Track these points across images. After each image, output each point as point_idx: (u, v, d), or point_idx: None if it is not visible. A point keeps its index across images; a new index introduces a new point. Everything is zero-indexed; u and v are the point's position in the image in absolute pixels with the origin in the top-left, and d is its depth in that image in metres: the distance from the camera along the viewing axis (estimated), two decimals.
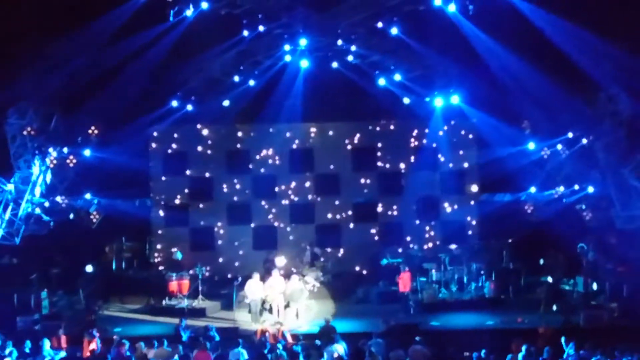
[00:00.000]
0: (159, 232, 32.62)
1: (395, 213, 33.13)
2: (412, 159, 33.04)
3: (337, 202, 33.06)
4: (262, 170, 33.01)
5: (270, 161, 32.99)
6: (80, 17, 26.29)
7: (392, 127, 32.75)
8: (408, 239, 32.61)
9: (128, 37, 27.07)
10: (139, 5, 26.52)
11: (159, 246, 32.40)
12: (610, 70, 27.15)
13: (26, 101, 27.37)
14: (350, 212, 33.09)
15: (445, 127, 32.65)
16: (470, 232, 32.93)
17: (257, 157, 32.97)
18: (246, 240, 32.86)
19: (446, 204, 33.12)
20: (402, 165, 33.08)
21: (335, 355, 19.76)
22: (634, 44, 25.71)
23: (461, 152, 32.95)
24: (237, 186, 32.93)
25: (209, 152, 32.68)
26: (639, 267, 26.73)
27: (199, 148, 32.67)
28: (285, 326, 24.12)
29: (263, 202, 33.01)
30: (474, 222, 32.99)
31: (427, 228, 32.93)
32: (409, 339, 21.15)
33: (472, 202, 33.01)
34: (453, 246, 31.45)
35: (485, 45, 27.95)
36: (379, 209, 33.15)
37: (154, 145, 32.27)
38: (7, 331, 22.71)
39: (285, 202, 33.06)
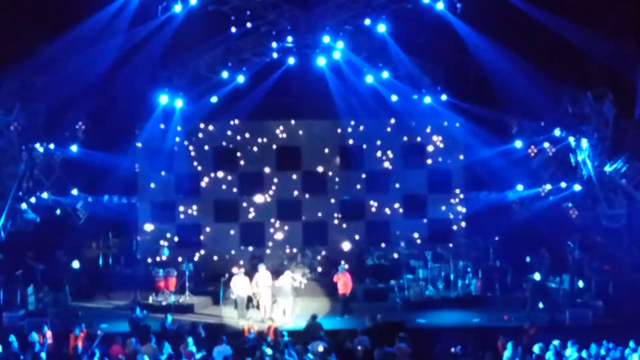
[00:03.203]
0: (146, 228, 32.54)
1: (382, 211, 33.14)
2: (400, 157, 33.07)
3: (324, 200, 33.07)
4: (249, 167, 32.97)
5: (257, 158, 32.93)
6: (68, 14, 26.27)
7: (379, 125, 32.68)
8: (395, 237, 32.63)
9: (115, 34, 27.05)
10: (127, 2, 26.50)
11: (145, 243, 32.32)
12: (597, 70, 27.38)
13: (13, 97, 27.26)
14: (337, 210, 33.10)
15: (433, 125, 32.73)
16: (457, 230, 33.00)
17: (244, 154, 32.92)
18: (233, 236, 32.83)
19: (433, 202, 33.16)
20: (390, 164, 33.10)
21: (320, 349, 19.84)
22: (622, 41, 25.91)
23: (448, 151, 32.97)
24: (224, 183, 32.88)
25: (196, 148, 32.60)
26: (624, 265, 26.86)
27: (186, 145, 32.58)
28: (276, 323, 24.11)
29: (250, 199, 32.97)
30: (460, 220, 33.07)
31: (414, 226, 32.95)
32: (394, 336, 21.22)
33: (459, 200, 33.06)
34: (440, 244, 31.69)
35: (473, 43, 28.08)
36: (366, 207, 33.17)
37: (140, 142, 32.09)
38: None
39: (272, 199, 33.03)
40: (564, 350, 20.16)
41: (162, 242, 31.90)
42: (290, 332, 23.38)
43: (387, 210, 33.12)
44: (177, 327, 23.65)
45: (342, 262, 28.59)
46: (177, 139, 32.31)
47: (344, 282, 27.03)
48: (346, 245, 32.23)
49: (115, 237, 31.69)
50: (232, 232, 32.85)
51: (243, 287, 26.26)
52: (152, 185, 32.54)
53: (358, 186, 33.11)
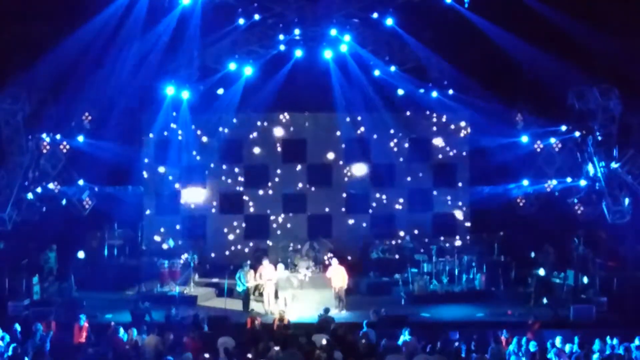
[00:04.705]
0: (151, 219, 32.58)
1: (387, 204, 33.15)
2: (406, 150, 33.09)
3: (329, 193, 33.07)
4: (255, 159, 32.99)
5: (262, 150, 32.94)
6: (77, 5, 26.29)
7: (385, 118, 32.59)
8: (399, 231, 32.63)
9: (122, 23, 27.05)
10: None
11: (150, 233, 32.37)
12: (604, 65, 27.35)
13: (19, 86, 27.30)
14: (342, 203, 33.11)
15: (439, 119, 32.78)
16: (461, 225, 33.03)
17: (250, 146, 32.94)
18: (238, 229, 32.86)
19: (438, 196, 33.19)
20: (395, 157, 33.10)
21: (324, 342, 19.85)
22: (628, 37, 25.90)
23: (454, 145, 33.01)
24: (229, 175, 32.89)
25: (201, 140, 32.58)
26: (628, 261, 26.85)
27: (192, 136, 32.57)
28: (287, 315, 24.08)
29: (255, 192, 32.99)
30: (465, 215, 33.09)
31: (419, 220, 32.96)
32: (398, 330, 21.23)
33: (464, 195, 33.08)
34: (444, 238, 31.73)
35: (480, 37, 28.02)
36: (371, 200, 33.18)
37: (146, 133, 32.07)
38: None
39: (277, 191, 33.05)
40: (566, 346, 20.22)
41: (166, 233, 31.92)
42: (300, 325, 23.42)
43: (392, 204, 33.15)
44: (181, 319, 23.69)
45: (334, 257, 28.29)
46: (183, 131, 32.33)
47: (338, 275, 26.92)
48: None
49: (120, 228, 31.70)
50: (236, 224, 32.88)
51: (247, 279, 26.35)
52: (158, 176, 32.59)
53: (362, 179, 33.12)
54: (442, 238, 31.92)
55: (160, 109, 30.61)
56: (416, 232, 32.41)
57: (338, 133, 33.02)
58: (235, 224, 32.88)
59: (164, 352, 19.41)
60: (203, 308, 26.38)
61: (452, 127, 32.97)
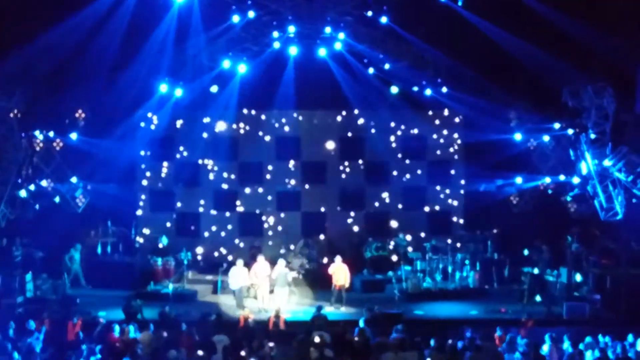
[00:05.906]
0: (145, 216, 32.58)
1: (381, 202, 33.15)
2: (400, 148, 33.10)
3: (323, 190, 33.07)
4: (249, 156, 32.98)
5: (257, 148, 32.92)
6: (69, 1, 26.24)
7: (379, 116, 32.61)
8: (394, 227, 32.62)
9: (116, 21, 26.98)
10: None
11: (144, 231, 32.38)
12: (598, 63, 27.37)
13: (13, 84, 27.21)
14: (336, 201, 33.11)
15: (434, 116, 32.84)
16: (455, 222, 33.07)
17: (244, 143, 32.92)
18: (232, 226, 32.85)
19: (432, 193, 33.20)
20: (390, 155, 33.10)
21: (317, 339, 19.87)
22: (622, 35, 25.92)
23: (448, 143, 33.05)
24: (224, 172, 32.89)
25: (195, 137, 32.55)
26: (621, 259, 26.86)
27: (186, 133, 32.59)
28: (283, 313, 24.08)
29: (249, 189, 32.99)
30: (459, 213, 33.11)
31: (413, 218, 32.95)
32: (391, 328, 21.24)
33: (458, 193, 33.11)
34: (438, 235, 31.74)
35: (474, 35, 28.03)
36: (366, 197, 33.18)
37: (140, 130, 32.05)
38: None
39: (271, 189, 33.04)
40: (561, 344, 20.26)
41: (160, 231, 31.85)
42: (293, 323, 23.42)
43: (387, 201, 33.14)
44: (176, 316, 23.67)
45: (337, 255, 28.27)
46: (176, 128, 32.35)
47: (341, 272, 26.96)
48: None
49: (114, 225, 31.66)
50: (230, 221, 32.87)
51: (241, 277, 26.31)
52: (152, 173, 32.61)
53: (357, 177, 33.13)
54: (436, 235, 31.89)
55: (154, 106, 30.58)
56: (410, 229, 32.37)
57: (333, 130, 33.03)
58: (228, 221, 32.88)
59: (158, 348, 19.43)
60: (197, 305, 26.36)
61: (447, 124, 33.01)
